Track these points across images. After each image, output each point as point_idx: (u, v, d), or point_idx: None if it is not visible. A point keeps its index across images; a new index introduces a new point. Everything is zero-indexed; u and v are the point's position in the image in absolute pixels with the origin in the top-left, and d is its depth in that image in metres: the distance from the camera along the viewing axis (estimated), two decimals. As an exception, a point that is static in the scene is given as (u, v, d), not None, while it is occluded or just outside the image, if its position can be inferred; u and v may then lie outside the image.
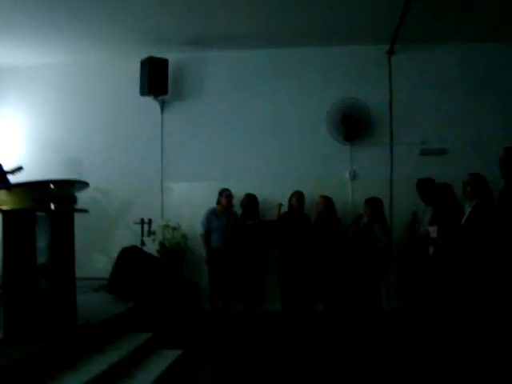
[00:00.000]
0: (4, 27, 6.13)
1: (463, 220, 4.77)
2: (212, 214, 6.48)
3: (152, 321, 5.28)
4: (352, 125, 6.76)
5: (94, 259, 6.97)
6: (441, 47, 6.78)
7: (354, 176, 6.91)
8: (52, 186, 3.74)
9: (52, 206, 3.72)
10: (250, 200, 6.56)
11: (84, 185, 4.14)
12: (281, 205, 6.42)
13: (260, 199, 6.66)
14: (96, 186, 6.67)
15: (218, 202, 6.52)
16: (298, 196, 6.41)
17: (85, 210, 4.08)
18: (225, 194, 6.47)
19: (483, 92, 6.70)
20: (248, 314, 6.38)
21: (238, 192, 6.65)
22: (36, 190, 3.67)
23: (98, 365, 3.74)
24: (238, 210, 6.65)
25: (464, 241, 4.64)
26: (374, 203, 6.11)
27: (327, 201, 6.30)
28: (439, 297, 5.26)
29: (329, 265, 6.01)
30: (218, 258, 6.33)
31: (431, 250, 5.44)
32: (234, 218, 6.49)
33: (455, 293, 4.92)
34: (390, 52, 6.85)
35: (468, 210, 4.76)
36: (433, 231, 5.35)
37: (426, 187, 5.95)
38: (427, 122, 6.81)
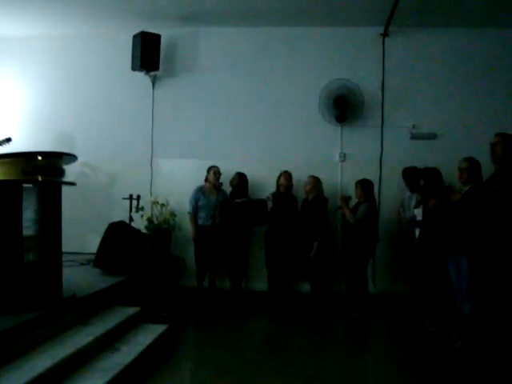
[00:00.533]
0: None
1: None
2: (199, 192, 6.49)
3: (139, 295, 5.32)
4: (344, 106, 6.75)
5: (83, 234, 6.94)
6: (435, 31, 6.75)
7: (343, 158, 6.92)
8: (40, 157, 3.73)
9: (39, 178, 3.72)
10: (240, 179, 6.56)
11: (72, 157, 4.11)
12: (271, 195, 6.41)
13: (250, 178, 6.65)
14: (85, 161, 6.76)
15: (206, 180, 6.52)
16: (286, 176, 6.41)
17: (72, 183, 4.08)
18: (212, 170, 6.48)
19: (475, 77, 6.70)
20: (235, 292, 6.43)
21: (228, 171, 6.64)
22: (23, 161, 3.65)
23: (83, 337, 3.78)
24: (227, 188, 6.64)
25: (454, 221, 4.68)
26: (364, 185, 6.12)
27: (315, 181, 6.31)
28: (425, 279, 5.34)
29: (316, 244, 6.03)
30: (205, 236, 6.34)
31: (417, 232, 5.49)
32: (224, 195, 6.50)
33: (439, 274, 5.00)
34: (385, 34, 6.82)
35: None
36: (418, 213, 5.40)
37: (411, 175, 5.96)
38: (419, 106, 6.81)
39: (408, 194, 6.04)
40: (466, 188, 4.71)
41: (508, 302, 4.32)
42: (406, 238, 5.94)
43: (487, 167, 4.76)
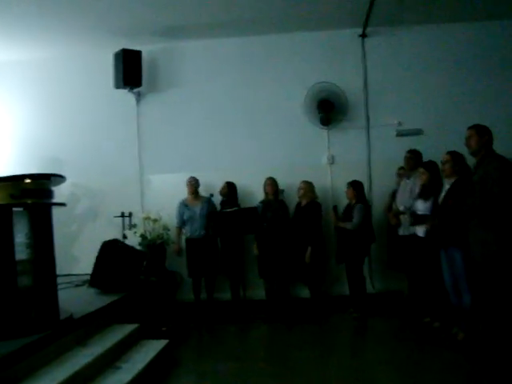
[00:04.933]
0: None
1: (441, 197, 4.83)
2: (182, 206, 6.56)
3: (137, 312, 5.30)
4: (328, 109, 6.78)
5: (76, 255, 6.93)
6: (413, 28, 6.80)
7: (332, 160, 6.94)
8: (28, 180, 3.74)
9: (29, 201, 3.72)
10: (229, 188, 6.57)
11: (60, 178, 4.12)
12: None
13: (240, 187, 6.67)
14: (74, 181, 6.72)
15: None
16: (270, 183, 6.43)
17: (62, 204, 4.08)
18: (187, 181, 6.60)
19: (456, 71, 6.75)
20: (234, 302, 6.42)
21: (218, 181, 6.67)
22: (11, 185, 3.66)
23: (83, 358, 3.76)
24: (219, 198, 6.64)
25: (442, 217, 4.71)
26: (356, 186, 6.15)
27: (308, 186, 6.32)
28: (422, 273, 5.35)
29: (311, 249, 6.03)
30: (195, 247, 6.38)
31: (418, 228, 5.32)
32: (209, 206, 6.49)
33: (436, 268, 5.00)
34: (363, 35, 6.88)
35: (447, 187, 4.82)
36: (423, 207, 5.22)
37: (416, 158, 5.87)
38: (402, 103, 6.85)
39: (407, 181, 5.86)
40: (451, 180, 4.76)
41: (507, 291, 4.33)
42: (391, 226, 5.94)
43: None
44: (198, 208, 6.45)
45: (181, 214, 6.53)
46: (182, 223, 6.54)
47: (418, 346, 4.84)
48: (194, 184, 6.58)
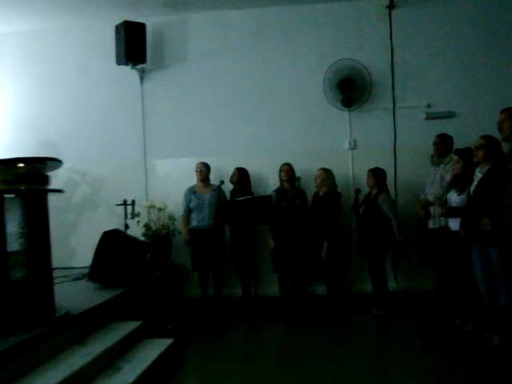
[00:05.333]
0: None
1: (472, 187, 4.75)
2: (190, 192, 6.53)
3: (140, 309, 5.30)
4: (350, 89, 6.70)
5: (74, 246, 6.95)
6: (447, -1, 6.69)
7: (354, 145, 6.87)
8: (21, 164, 3.72)
9: (22, 187, 3.70)
10: (241, 174, 6.52)
11: (57, 163, 4.09)
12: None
13: (253, 173, 6.64)
14: (72, 166, 6.75)
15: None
16: (286, 169, 6.35)
17: (59, 191, 4.07)
18: (197, 167, 6.57)
19: (496, 47, 6.59)
20: (244, 298, 6.41)
21: (229, 167, 6.64)
22: (3, 169, 3.64)
23: (81, 357, 3.75)
24: (229, 186, 6.61)
25: (475, 209, 4.63)
26: (378, 173, 6.10)
27: (326, 174, 6.25)
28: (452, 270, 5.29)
29: (327, 244, 5.99)
30: (200, 238, 6.33)
31: (451, 221, 5.22)
32: (220, 194, 6.40)
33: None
34: (391, 6, 6.75)
35: (479, 176, 4.74)
36: (458, 200, 5.10)
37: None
38: (433, 83, 6.74)
39: (436, 169, 5.75)
40: (484, 168, 4.67)
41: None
42: (420, 218, 5.84)
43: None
44: (207, 196, 6.41)
45: (187, 202, 6.50)
46: (189, 211, 6.51)
47: (446, 352, 4.76)
48: (204, 171, 6.53)
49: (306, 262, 6.20)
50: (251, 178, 6.63)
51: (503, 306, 4.55)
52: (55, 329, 3.83)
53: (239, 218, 6.01)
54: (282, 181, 6.38)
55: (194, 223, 6.46)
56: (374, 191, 6.08)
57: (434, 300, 5.81)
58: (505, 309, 4.54)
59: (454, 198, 5.14)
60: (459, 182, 5.09)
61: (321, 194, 6.25)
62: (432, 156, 6.06)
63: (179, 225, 6.65)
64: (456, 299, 5.33)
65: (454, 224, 5.10)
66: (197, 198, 6.45)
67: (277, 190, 6.37)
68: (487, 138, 4.71)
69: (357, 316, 6.10)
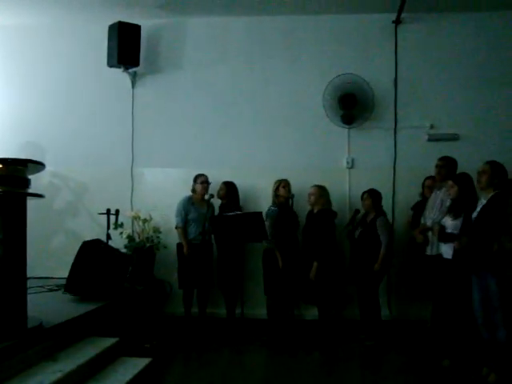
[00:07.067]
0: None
1: (474, 214, 4.75)
2: (188, 203, 6.43)
3: (117, 325, 5.26)
4: (351, 105, 6.73)
5: (52, 255, 6.88)
6: (453, 16, 6.76)
7: (351, 164, 6.88)
8: (0, 165, 3.69)
9: (0, 189, 3.67)
10: (228, 189, 6.50)
11: (39, 166, 4.09)
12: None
13: (245, 189, 6.65)
14: (55, 170, 6.72)
15: (194, 191, 6.50)
16: (285, 184, 6.31)
17: (40, 195, 4.05)
18: (200, 180, 6.45)
19: (502, 68, 6.66)
20: (229, 319, 6.36)
21: (220, 181, 6.60)
22: (-20, 170, 3.61)
23: (51, 374, 3.70)
24: (217, 201, 6.58)
25: (475, 236, 4.63)
26: (374, 195, 6.13)
27: (321, 191, 6.24)
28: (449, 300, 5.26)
29: (316, 265, 5.96)
30: (193, 253, 6.26)
31: (444, 248, 5.26)
32: (213, 209, 6.45)
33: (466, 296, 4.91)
34: (397, 22, 6.81)
35: (483, 202, 4.75)
36: (452, 225, 5.12)
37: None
38: (437, 103, 6.79)
39: (437, 193, 5.74)
40: (488, 195, 4.68)
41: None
42: (415, 245, 5.84)
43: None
44: (204, 209, 6.30)
45: (185, 212, 6.37)
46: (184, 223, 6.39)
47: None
48: (207, 186, 6.46)
49: (298, 283, 6.16)
50: (243, 193, 6.62)
51: (501, 340, 4.52)
52: (26, 341, 3.78)
53: (228, 233, 5.99)
54: (277, 196, 6.32)
55: (189, 237, 6.35)
56: (372, 214, 6.08)
57: (429, 331, 5.78)
58: (503, 343, 4.51)
59: (448, 222, 5.14)
60: (456, 207, 5.10)
61: (315, 211, 6.23)
62: (425, 179, 6.09)
63: (167, 238, 6.60)
64: (450, 331, 5.29)
65: (447, 251, 5.11)
66: (196, 211, 6.38)
67: (277, 206, 6.30)
68: (491, 164, 4.74)
69: (346, 344, 6.06)
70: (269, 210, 6.28)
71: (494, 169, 4.70)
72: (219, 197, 6.54)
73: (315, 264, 5.98)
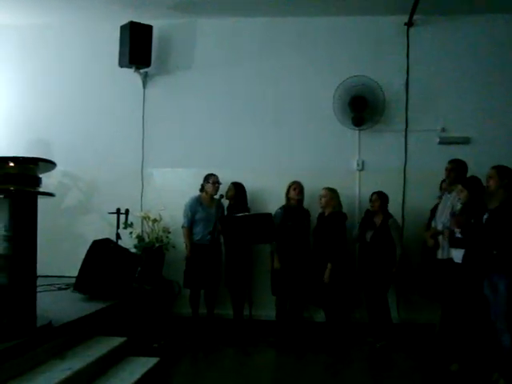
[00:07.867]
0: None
1: (484, 218, 4.74)
2: (197, 203, 6.43)
3: (126, 324, 5.27)
4: (362, 107, 6.72)
5: (61, 254, 6.90)
6: (466, 19, 6.74)
7: (362, 166, 6.88)
8: (11, 164, 3.71)
9: (11, 188, 3.69)
10: (237, 190, 6.53)
11: (50, 165, 4.09)
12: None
13: (254, 190, 6.67)
14: (65, 169, 6.75)
15: (203, 190, 6.51)
16: (296, 186, 6.34)
17: (50, 194, 4.05)
18: (211, 179, 6.43)
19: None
20: (237, 320, 6.37)
21: (230, 181, 6.62)
22: (-8, 168, 3.63)
23: (59, 372, 3.70)
24: (224, 202, 6.60)
25: (484, 242, 4.62)
26: (384, 197, 6.16)
27: (332, 193, 6.25)
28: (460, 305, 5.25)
29: (330, 267, 5.97)
30: (201, 254, 6.21)
31: (455, 252, 5.25)
32: (222, 209, 6.47)
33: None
34: (409, 24, 6.80)
35: (491, 207, 4.74)
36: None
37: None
38: (449, 106, 6.77)
39: (447, 196, 5.71)
40: (497, 200, 4.67)
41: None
42: (427, 248, 5.81)
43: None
44: (213, 209, 6.34)
45: (192, 213, 6.38)
46: (191, 224, 6.40)
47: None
48: (218, 186, 6.44)
49: (307, 285, 6.17)
50: (250, 195, 6.63)
51: (506, 345, 4.49)
52: (35, 340, 3.79)
53: (237, 234, 5.99)
54: (289, 198, 6.36)
55: (197, 237, 6.37)
56: (379, 216, 6.09)
57: (437, 335, 5.76)
58: (508, 349, 4.49)
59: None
60: (466, 211, 5.08)
61: (326, 214, 6.24)
62: (442, 181, 6.06)
63: (176, 238, 6.62)
64: (460, 336, 5.27)
65: (458, 256, 5.09)
66: (204, 211, 6.39)
67: (283, 208, 6.34)
68: (497, 169, 4.74)
69: (355, 346, 6.06)
70: (276, 212, 6.31)
71: (501, 172, 4.70)
72: (227, 197, 6.55)
73: (329, 266, 6.00)
